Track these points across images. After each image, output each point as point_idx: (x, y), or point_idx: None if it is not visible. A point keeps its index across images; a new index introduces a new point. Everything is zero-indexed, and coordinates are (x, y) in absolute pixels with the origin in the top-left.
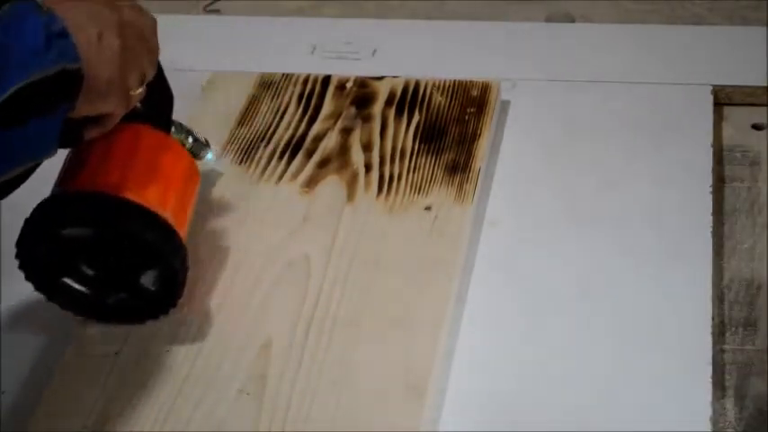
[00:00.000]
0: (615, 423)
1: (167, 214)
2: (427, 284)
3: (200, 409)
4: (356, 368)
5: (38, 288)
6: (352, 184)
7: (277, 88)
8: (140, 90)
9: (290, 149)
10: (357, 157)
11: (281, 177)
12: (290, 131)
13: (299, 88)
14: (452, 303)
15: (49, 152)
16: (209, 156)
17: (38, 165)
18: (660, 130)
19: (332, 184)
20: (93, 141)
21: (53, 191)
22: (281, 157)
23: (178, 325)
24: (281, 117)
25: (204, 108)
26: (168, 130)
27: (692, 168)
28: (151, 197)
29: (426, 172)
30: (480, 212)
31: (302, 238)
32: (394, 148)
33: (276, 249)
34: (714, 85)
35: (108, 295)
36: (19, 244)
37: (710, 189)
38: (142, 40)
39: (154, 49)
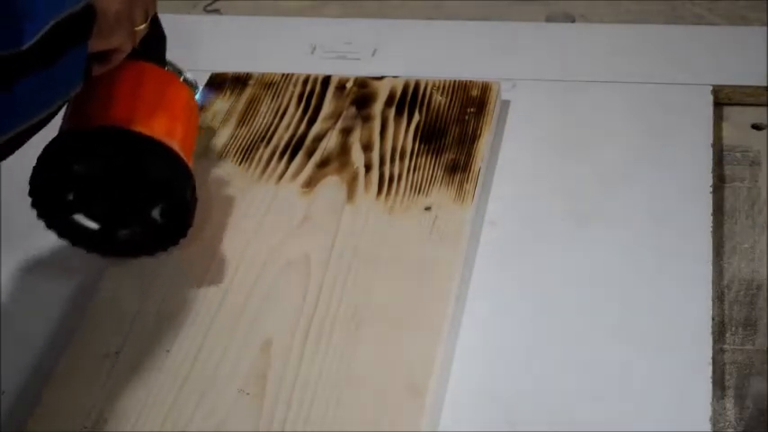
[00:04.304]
0: (615, 423)
1: (175, 145)
2: (427, 284)
3: (201, 409)
4: (356, 368)
5: (49, 226)
6: (352, 184)
7: (277, 88)
8: (144, 26)
9: (290, 149)
10: (357, 157)
11: (281, 177)
12: (290, 131)
13: (299, 88)
14: (452, 303)
15: (76, 88)
16: (198, 96)
17: (60, 108)
18: (660, 130)
19: (332, 184)
20: (98, 79)
21: (62, 128)
22: (281, 157)
23: (178, 325)
24: (281, 117)
25: (204, 108)
26: (163, 68)
27: (692, 168)
28: (159, 129)
29: (426, 172)
30: (480, 212)
31: (302, 238)
32: (394, 148)
33: (276, 249)
34: (714, 85)
35: (118, 230)
36: (32, 181)
37: (710, 189)
38: None
39: None
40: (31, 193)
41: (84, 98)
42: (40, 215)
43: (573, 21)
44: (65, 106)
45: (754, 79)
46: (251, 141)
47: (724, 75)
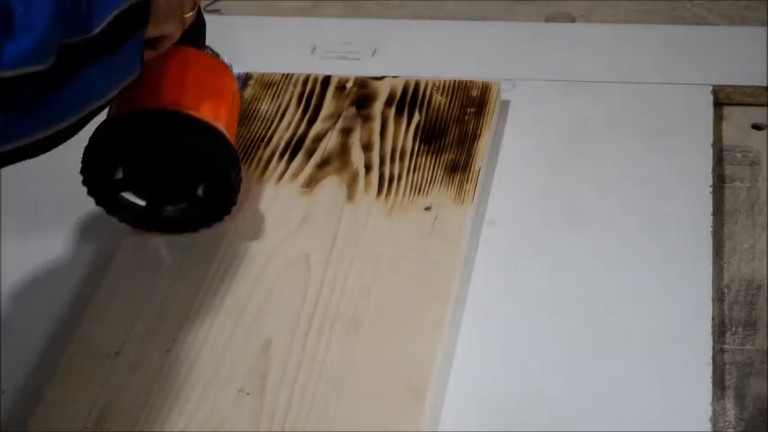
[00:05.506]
0: (615, 423)
1: (221, 126)
2: (427, 284)
3: (201, 409)
4: (356, 368)
5: (99, 203)
6: (352, 185)
7: (277, 88)
8: (192, 13)
9: (290, 149)
10: (357, 157)
11: (281, 177)
12: (290, 131)
13: (299, 88)
14: (452, 303)
15: (135, 74)
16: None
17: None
18: (660, 130)
19: (332, 184)
20: (147, 64)
21: (111, 110)
22: (281, 157)
23: (178, 325)
24: (281, 117)
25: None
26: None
27: (692, 168)
28: (207, 112)
29: (426, 172)
30: (480, 212)
31: (302, 238)
32: (394, 149)
33: (276, 249)
34: (714, 85)
35: (165, 207)
36: (84, 160)
37: (710, 189)
38: None
39: None
40: (82, 171)
41: (133, 83)
42: (90, 192)
43: (573, 21)
44: None
45: (754, 79)
46: (251, 141)
47: (724, 75)
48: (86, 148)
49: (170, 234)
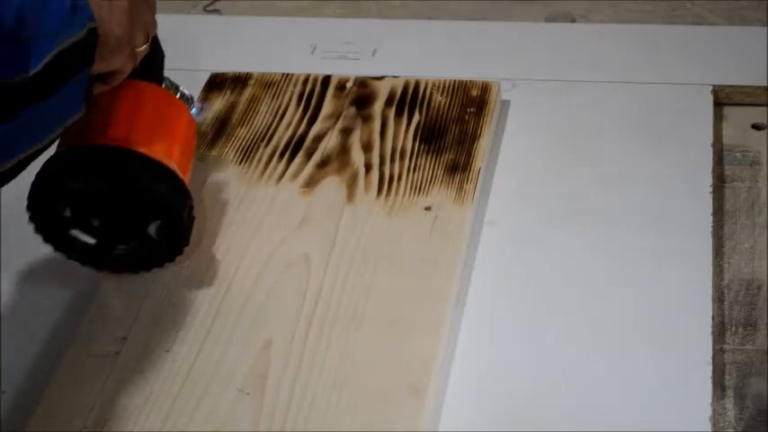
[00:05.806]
0: (615, 423)
1: (173, 165)
2: (427, 284)
3: (201, 409)
4: (356, 368)
5: (46, 240)
6: (352, 185)
7: (277, 88)
8: (145, 47)
9: (290, 149)
10: (357, 157)
11: (280, 177)
12: (290, 131)
13: (299, 88)
14: (452, 303)
15: (79, 113)
16: (194, 111)
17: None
18: (660, 130)
19: (332, 184)
20: (98, 97)
21: (60, 146)
22: (281, 157)
23: (178, 325)
24: (281, 117)
25: (204, 108)
26: (160, 86)
27: (692, 168)
28: (158, 149)
29: (426, 172)
30: (480, 212)
31: (302, 238)
32: (394, 149)
33: (276, 249)
34: (714, 85)
35: (115, 246)
36: (30, 197)
37: (710, 189)
38: None
39: (154, 8)
40: (28, 208)
41: (83, 117)
42: (37, 229)
43: (573, 21)
44: None
45: (754, 79)
46: (251, 141)
47: (724, 75)
48: (33, 185)
49: (121, 274)
